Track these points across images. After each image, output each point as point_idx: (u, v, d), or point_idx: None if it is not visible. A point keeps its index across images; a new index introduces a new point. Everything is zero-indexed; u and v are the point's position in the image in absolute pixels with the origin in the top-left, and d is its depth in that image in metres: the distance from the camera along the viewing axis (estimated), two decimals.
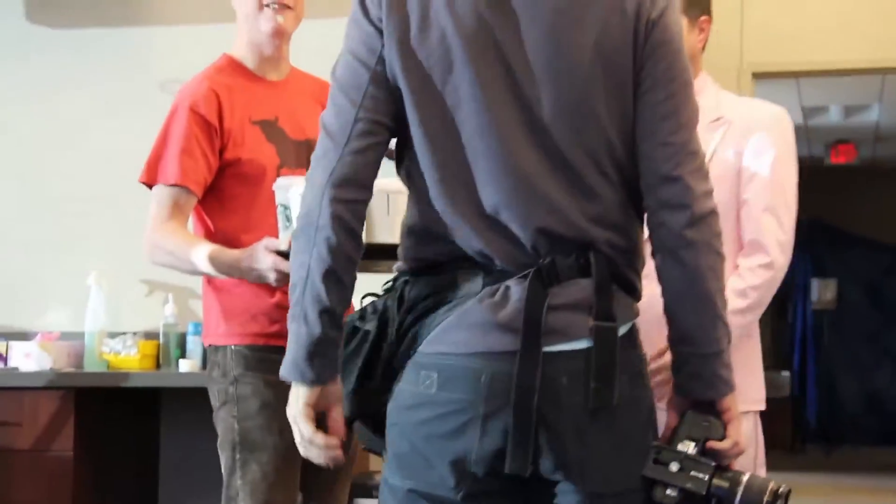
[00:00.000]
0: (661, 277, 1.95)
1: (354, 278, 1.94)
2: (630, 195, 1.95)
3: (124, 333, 3.95)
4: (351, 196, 1.91)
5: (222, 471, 2.84)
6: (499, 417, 1.84)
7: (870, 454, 11.73)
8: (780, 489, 1.91)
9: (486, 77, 1.89)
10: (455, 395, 1.87)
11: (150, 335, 4.00)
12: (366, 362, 1.98)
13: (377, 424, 1.97)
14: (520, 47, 1.90)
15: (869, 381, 12.50)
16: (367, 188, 1.93)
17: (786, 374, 11.88)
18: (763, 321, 2.97)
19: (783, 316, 12.52)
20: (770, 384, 2.93)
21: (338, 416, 1.97)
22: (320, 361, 1.92)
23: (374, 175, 1.94)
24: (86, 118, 4.40)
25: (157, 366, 3.89)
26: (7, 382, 3.63)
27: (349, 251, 1.91)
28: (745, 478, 1.91)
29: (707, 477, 1.89)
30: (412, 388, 1.91)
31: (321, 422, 1.96)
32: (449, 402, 1.87)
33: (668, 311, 1.95)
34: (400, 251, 2.01)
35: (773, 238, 2.84)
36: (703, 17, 2.90)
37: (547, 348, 1.85)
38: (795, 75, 6.20)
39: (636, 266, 1.97)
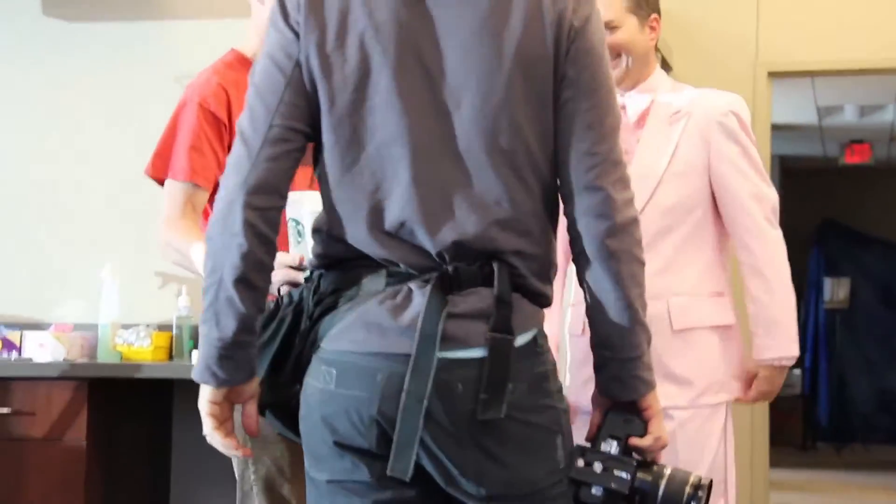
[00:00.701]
0: (582, 284, 1.98)
1: (268, 282, 1.95)
2: (546, 204, 1.96)
3: (137, 325, 3.98)
4: (264, 203, 1.91)
5: (234, 466, 2.86)
6: (390, 417, 1.86)
7: (881, 452, 11.70)
8: (701, 481, 1.95)
9: (404, 84, 1.90)
10: (352, 392, 1.89)
11: (164, 327, 4.02)
12: (276, 353, 2.00)
13: (289, 413, 1.99)
14: (439, 54, 1.91)
15: (881, 380, 12.47)
16: (282, 195, 1.94)
17: (797, 372, 11.88)
18: None
19: (797, 312, 12.49)
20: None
21: (251, 411, 2.00)
22: (230, 364, 1.94)
23: (289, 181, 1.95)
24: (100, 112, 4.42)
25: (170, 357, 3.91)
26: (22, 372, 3.65)
27: (261, 257, 1.91)
28: (667, 471, 1.96)
29: (629, 475, 1.94)
30: (314, 383, 1.93)
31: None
32: (347, 398, 1.89)
33: (589, 316, 1.99)
34: (313, 246, 2.02)
35: (766, 217, 2.88)
36: (653, 16, 2.96)
37: (443, 354, 1.86)
38: (811, 74, 6.20)
39: (547, 274, 1.98)
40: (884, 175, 11.98)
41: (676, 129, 2.91)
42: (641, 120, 2.95)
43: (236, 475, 2.87)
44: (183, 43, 4.44)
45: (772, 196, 2.93)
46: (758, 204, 2.90)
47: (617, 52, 2.91)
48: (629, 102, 2.96)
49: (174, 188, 2.83)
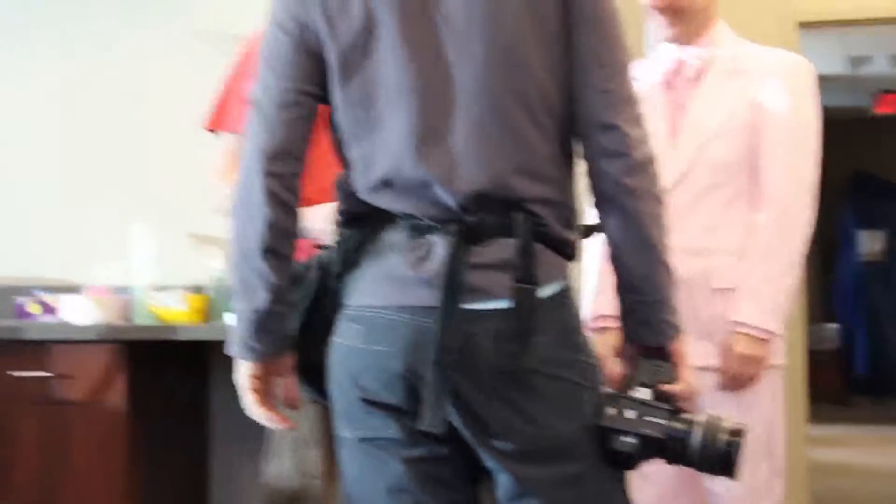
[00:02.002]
0: (604, 227, 1.95)
1: (295, 248, 1.94)
2: (564, 147, 1.94)
3: (172, 287, 3.99)
4: (283, 169, 1.91)
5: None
6: (418, 372, 1.85)
7: None
8: (736, 427, 1.91)
9: (409, 35, 1.88)
10: (377, 348, 1.88)
11: (199, 289, 4.03)
12: (305, 314, 1.99)
13: (319, 376, 1.98)
14: (443, 1, 1.89)
15: None
16: (300, 160, 1.93)
17: (833, 326, 11.84)
18: (809, 274, 2.98)
19: (830, 268, 12.45)
20: (817, 337, 2.95)
21: (291, 384, 2.00)
22: (267, 337, 1.94)
23: (306, 146, 1.94)
24: (124, 69, 4.41)
25: (206, 319, 3.92)
26: (60, 335, 3.67)
27: (286, 225, 1.91)
28: (700, 419, 1.91)
29: (664, 421, 1.90)
30: (340, 341, 1.93)
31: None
32: (372, 354, 1.88)
33: (613, 259, 1.96)
34: (335, 204, 2.02)
35: (794, 194, 2.83)
36: None
37: (467, 306, 1.84)
38: (842, 24, 6.13)
39: (570, 221, 1.96)
40: None
41: (734, 87, 2.87)
42: (700, 75, 2.91)
43: (271, 434, 2.89)
44: None
45: (810, 172, 2.87)
46: (793, 174, 2.84)
47: (679, 7, 2.86)
48: (688, 56, 2.91)
49: (230, 140, 2.84)
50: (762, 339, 2.79)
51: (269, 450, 2.93)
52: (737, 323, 2.79)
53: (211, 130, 2.91)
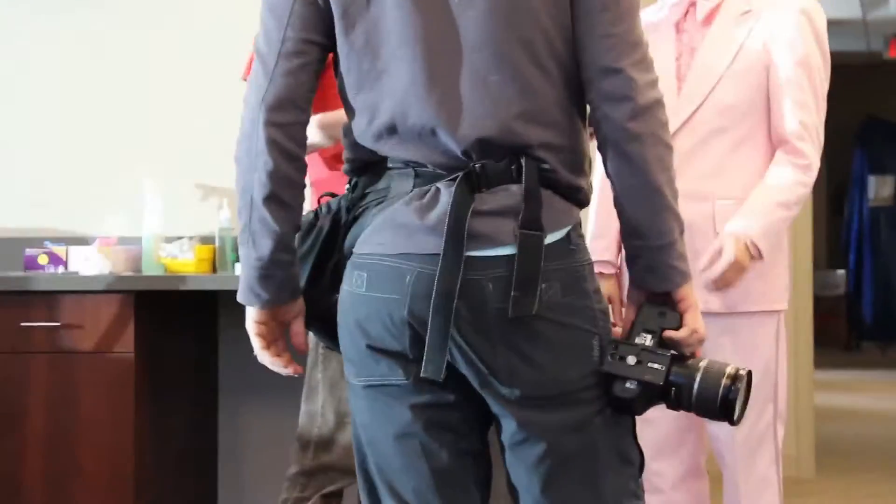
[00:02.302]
0: (609, 172, 1.93)
1: (300, 199, 1.95)
2: (571, 92, 1.92)
3: (180, 238, 4.00)
4: (285, 119, 1.91)
5: (306, 362, 2.89)
6: (422, 319, 1.86)
7: None
8: (739, 372, 1.91)
9: None
10: (382, 295, 1.89)
11: (206, 240, 4.04)
12: (315, 263, 2.00)
13: (331, 324, 1.99)
14: None
15: None
16: (303, 109, 1.93)
17: (841, 272, 11.83)
18: (818, 219, 2.97)
19: (839, 213, 12.43)
20: (825, 282, 2.95)
21: (298, 329, 2.02)
22: (272, 284, 1.95)
23: (310, 95, 1.94)
24: (134, 21, 4.40)
25: (214, 270, 3.94)
26: (69, 286, 3.69)
27: (289, 174, 1.92)
28: (703, 364, 1.91)
29: (664, 367, 1.89)
30: (347, 288, 1.94)
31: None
32: (378, 301, 1.89)
33: (618, 205, 1.94)
34: (343, 152, 2.02)
35: (807, 135, 2.82)
36: None
37: (472, 253, 1.85)
38: None
39: (580, 166, 1.95)
40: None
41: (743, 29, 2.85)
42: (710, 17, 2.89)
43: (306, 372, 2.91)
44: None
45: (816, 118, 2.85)
46: (803, 116, 2.82)
47: None
48: (697, 0, 2.91)
49: None
50: (751, 255, 2.75)
51: (306, 384, 2.96)
52: (741, 232, 2.74)
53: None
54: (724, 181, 2.85)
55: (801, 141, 2.81)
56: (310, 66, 1.94)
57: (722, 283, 2.76)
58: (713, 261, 2.75)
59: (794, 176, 2.80)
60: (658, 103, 1.91)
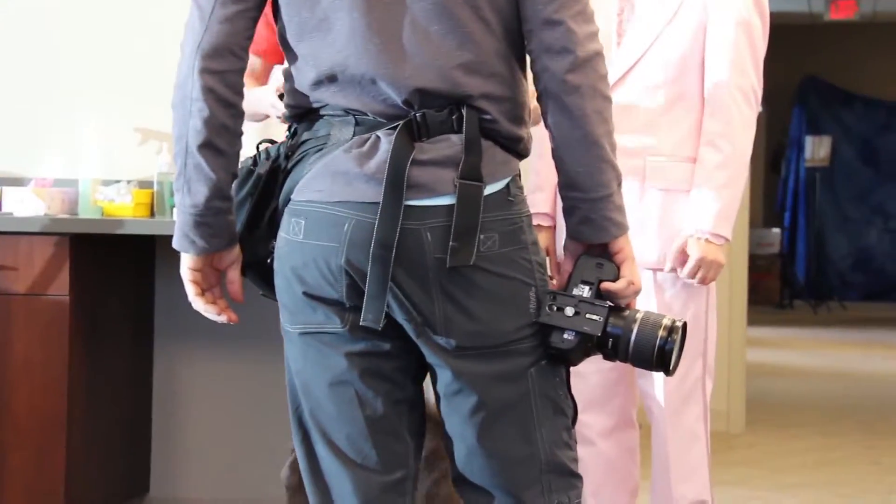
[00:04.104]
0: (547, 124, 1.93)
1: (237, 146, 1.95)
2: (512, 44, 1.93)
3: (118, 181, 3.97)
4: (221, 66, 1.91)
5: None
6: (359, 267, 1.87)
7: (856, 309, 11.87)
8: (675, 323, 1.94)
9: None
10: (319, 242, 1.89)
11: (145, 184, 4.01)
12: (252, 210, 2.00)
13: (268, 271, 2.00)
14: None
15: (858, 238, 12.58)
16: (239, 56, 1.92)
17: (776, 230, 11.96)
18: (755, 178, 3.00)
19: (776, 172, 12.54)
20: (761, 240, 2.98)
21: (234, 277, 2.01)
22: (206, 231, 1.95)
23: (247, 42, 1.93)
24: None
25: (152, 214, 3.91)
26: (2, 227, 3.65)
27: (224, 121, 1.91)
28: (639, 315, 1.94)
29: (602, 318, 1.91)
30: (285, 235, 1.94)
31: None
32: (314, 248, 1.90)
33: (556, 157, 1.94)
34: (284, 99, 2.02)
35: (738, 98, 2.84)
36: None
37: (411, 202, 1.85)
38: None
39: (520, 116, 1.95)
40: (868, 30, 11.91)
41: None
42: None
43: None
44: None
45: (754, 79, 2.88)
46: (739, 77, 2.85)
47: None
48: None
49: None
50: (718, 245, 2.83)
51: None
52: (697, 229, 2.82)
53: None
54: (657, 138, 2.87)
55: (739, 103, 2.84)
56: (247, 12, 1.93)
57: (708, 282, 2.86)
58: (680, 262, 2.84)
59: (727, 150, 2.83)
60: (598, 55, 1.91)
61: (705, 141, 2.85)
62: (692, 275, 2.83)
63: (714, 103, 2.85)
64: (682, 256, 2.85)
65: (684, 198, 2.87)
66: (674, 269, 2.86)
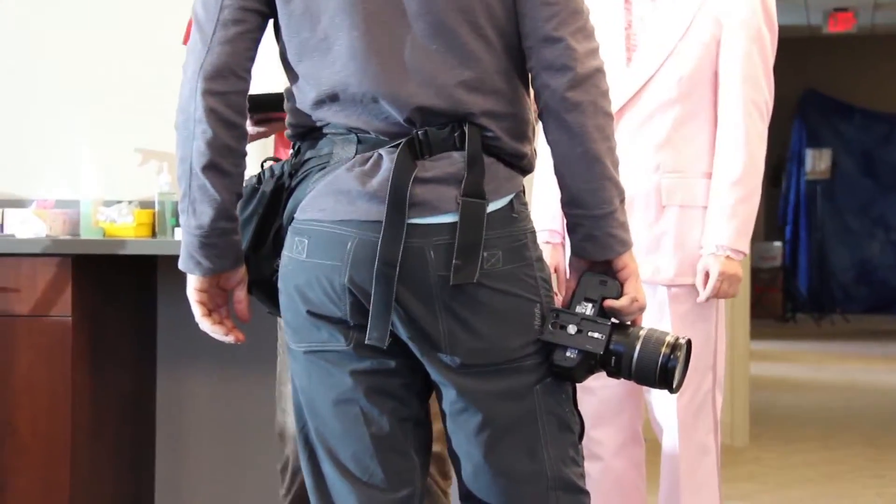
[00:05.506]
0: (549, 141, 1.93)
1: (241, 166, 1.95)
2: (513, 60, 1.93)
3: (119, 202, 3.96)
4: (224, 87, 1.91)
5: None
6: (363, 285, 1.87)
7: (859, 322, 11.85)
8: (678, 340, 1.93)
9: None
10: (323, 261, 1.89)
11: (146, 204, 4.01)
12: (257, 228, 2.00)
13: (273, 289, 2.00)
14: None
15: (860, 251, 12.57)
16: (241, 77, 1.93)
17: (778, 244, 11.96)
18: None
19: (777, 186, 12.55)
20: (762, 254, 2.99)
21: (241, 297, 2.01)
22: (212, 252, 1.95)
23: (249, 63, 1.94)
24: None
25: (153, 234, 3.91)
26: (4, 249, 3.64)
27: (228, 142, 1.92)
28: (643, 332, 1.93)
29: (604, 336, 1.91)
30: (289, 254, 1.94)
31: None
32: (318, 267, 1.89)
33: (558, 174, 1.94)
34: (287, 117, 2.02)
35: (750, 113, 2.84)
36: None
37: (414, 220, 1.85)
38: None
39: (523, 133, 1.95)
40: (867, 43, 11.93)
41: (696, 5, 2.86)
42: None
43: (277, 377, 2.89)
44: None
45: (767, 93, 2.88)
46: (753, 91, 2.85)
47: None
48: None
49: None
50: (738, 261, 2.85)
51: (277, 399, 2.93)
52: (717, 246, 2.83)
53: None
54: (672, 154, 2.87)
55: (752, 119, 2.84)
56: (249, 33, 1.93)
57: (729, 297, 2.87)
58: (703, 283, 2.84)
59: (743, 165, 2.83)
60: (598, 72, 1.91)
61: (721, 156, 2.85)
62: (715, 292, 2.83)
63: (729, 118, 2.85)
64: (704, 276, 2.85)
65: (700, 213, 2.87)
66: (694, 286, 2.86)
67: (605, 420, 2.97)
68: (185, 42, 2.87)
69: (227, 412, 3.97)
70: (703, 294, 2.85)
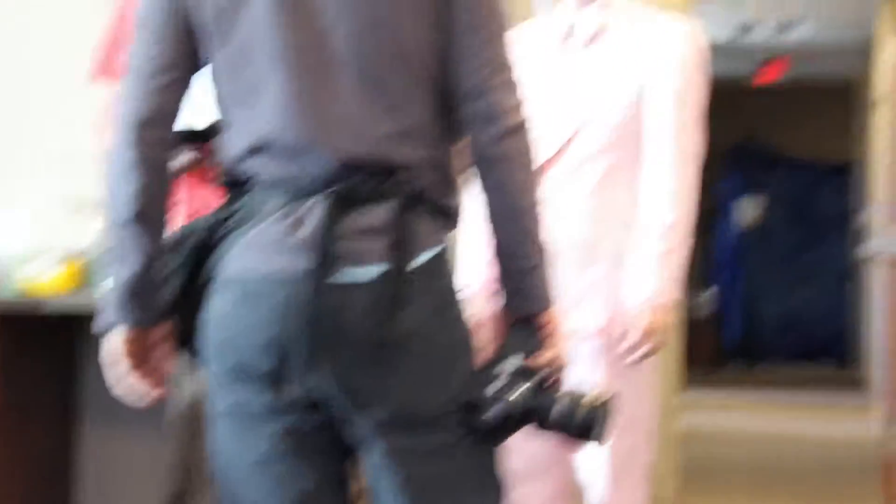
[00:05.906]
0: (480, 192, 1.95)
1: (168, 216, 1.95)
2: (443, 112, 1.94)
3: (45, 253, 3.91)
4: (154, 135, 1.91)
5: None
6: (287, 340, 1.86)
7: (789, 370, 11.96)
8: (600, 396, 1.94)
9: (283, 0, 1.88)
10: (248, 315, 1.88)
11: (75, 254, 3.96)
12: (184, 280, 1.98)
13: (195, 344, 1.97)
14: None
15: (789, 299, 12.70)
16: (169, 126, 1.93)
17: (709, 291, 12.05)
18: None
19: (708, 234, 12.66)
20: (693, 302, 2.99)
21: (165, 353, 1.99)
22: (140, 303, 1.93)
23: (177, 111, 1.94)
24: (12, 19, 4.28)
25: (81, 285, 3.85)
26: None
27: (157, 191, 1.92)
28: (563, 389, 1.94)
29: (525, 393, 1.91)
30: (215, 307, 1.92)
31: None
32: (243, 320, 1.88)
33: (488, 226, 1.96)
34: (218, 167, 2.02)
35: (681, 164, 2.87)
36: None
37: (340, 274, 1.85)
38: None
39: (452, 185, 1.96)
40: (797, 94, 12.11)
41: (625, 53, 2.87)
42: (592, 39, 2.90)
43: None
44: None
45: (698, 141, 2.91)
46: (683, 139, 2.87)
47: None
48: (580, 21, 2.90)
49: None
50: (668, 308, 2.83)
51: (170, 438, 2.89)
52: (647, 298, 2.81)
53: (97, 81, 2.83)
54: (602, 203, 2.87)
55: (682, 170, 2.86)
56: (181, 80, 1.93)
57: (656, 350, 2.83)
58: (627, 338, 2.82)
59: (674, 214, 2.84)
60: (522, 126, 1.93)
61: (651, 205, 2.85)
62: (644, 342, 2.82)
63: (659, 167, 2.86)
64: (632, 332, 2.83)
65: (629, 263, 2.87)
66: (623, 338, 2.85)
67: (534, 475, 2.95)
68: (92, 77, 2.84)
69: (150, 474, 3.90)
70: (633, 356, 2.84)
